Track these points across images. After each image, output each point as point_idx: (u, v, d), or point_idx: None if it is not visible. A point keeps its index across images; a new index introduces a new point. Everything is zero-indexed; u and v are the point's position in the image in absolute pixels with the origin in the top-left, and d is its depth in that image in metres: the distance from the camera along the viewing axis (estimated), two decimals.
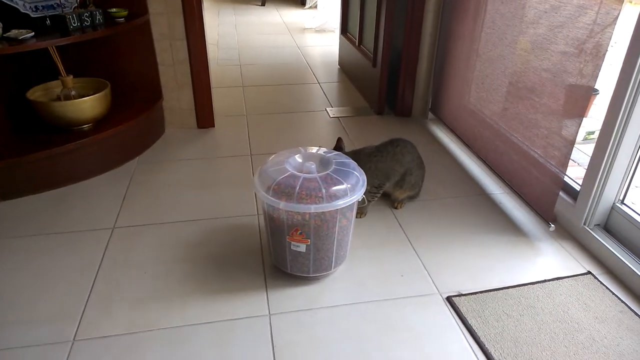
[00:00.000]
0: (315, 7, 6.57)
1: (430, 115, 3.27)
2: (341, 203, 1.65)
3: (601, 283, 1.83)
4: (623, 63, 1.77)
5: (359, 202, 1.77)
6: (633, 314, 1.70)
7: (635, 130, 1.82)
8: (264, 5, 7.35)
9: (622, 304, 1.74)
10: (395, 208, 2.28)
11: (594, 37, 1.77)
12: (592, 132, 3.04)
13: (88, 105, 2.44)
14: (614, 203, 1.99)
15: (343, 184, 1.68)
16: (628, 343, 1.59)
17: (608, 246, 1.92)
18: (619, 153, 1.86)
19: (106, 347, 1.56)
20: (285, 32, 5.75)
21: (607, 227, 2.03)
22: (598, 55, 1.76)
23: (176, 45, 2.82)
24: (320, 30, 5.84)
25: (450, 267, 1.93)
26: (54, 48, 2.39)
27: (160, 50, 2.82)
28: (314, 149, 1.89)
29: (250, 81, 4.04)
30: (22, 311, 1.68)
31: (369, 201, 2.19)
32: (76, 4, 2.52)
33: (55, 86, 2.55)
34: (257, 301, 1.75)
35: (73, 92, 2.50)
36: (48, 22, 2.44)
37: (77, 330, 1.61)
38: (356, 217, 2.12)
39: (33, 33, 2.24)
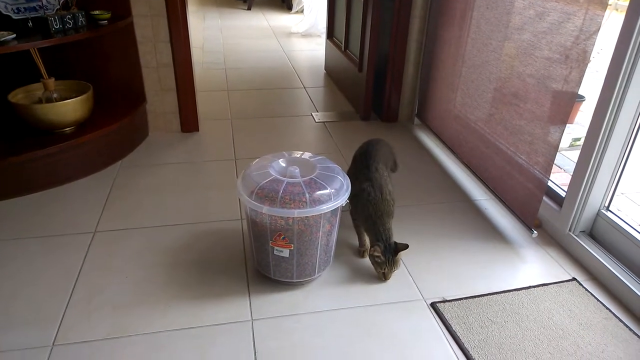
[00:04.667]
0: (302, 11, 6.56)
1: (417, 120, 3.27)
2: (325, 208, 1.63)
3: (586, 290, 1.83)
4: (608, 70, 1.77)
5: (342, 206, 1.75)
6: (617, 320, 1.69)
7: (620, 136, 1.83)
8: (250, 10, 7.33)
9: (607, 310, 1.74)
10: None
11: (579, 43, 1.77)
12: (578, 139, 3.05)
13: (70, 108, 2.41)
14: (599, 209, 1.99)
15: (327, 188, 1.67)
16: (612, 350, 1.58)
17: (593, 253, 1.92)
18: (604, 159, 1.87)
19: (86, 352, 1.53)
20: (272, 36, 5.73)
21: (592, 234, 2.03)
22: (583, 61, 1.77)
23: (160, 48, 2.79)
24: (306, 35, 5.83)
25: (435, 272, 1.92)
26: (35, 50, 2.35)
27: (144, 53, 2.79)
28: (298, 154, 1.88)
29: (236, 85, 4.01)
30: (0, 315, 1.65)
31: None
32: (59, 6, 2.49)
33: (37, 89, 2.51)
34: (239, 306, 1.72)
35: (55, 95, 2.46)
36: (30, 24, 2.41)
37: (56, 335, 1.58)
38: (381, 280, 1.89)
39: (15, 35, 2.20)
